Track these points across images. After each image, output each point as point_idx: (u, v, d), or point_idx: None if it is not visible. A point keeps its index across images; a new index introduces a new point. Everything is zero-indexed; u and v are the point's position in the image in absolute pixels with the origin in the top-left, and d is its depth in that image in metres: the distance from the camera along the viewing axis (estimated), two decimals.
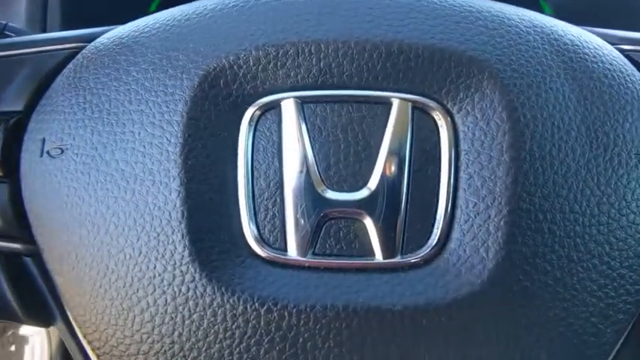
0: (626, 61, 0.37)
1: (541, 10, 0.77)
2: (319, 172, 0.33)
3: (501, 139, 0.32)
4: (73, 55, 0.37)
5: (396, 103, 0.33)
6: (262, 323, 0.31)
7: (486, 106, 0.33)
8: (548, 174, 0.32)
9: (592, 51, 0.35)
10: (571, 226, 0.32)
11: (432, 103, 0.33)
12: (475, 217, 0.32)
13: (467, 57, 0.33)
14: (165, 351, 0.32)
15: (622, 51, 0.37)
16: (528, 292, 0.32)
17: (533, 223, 0.32)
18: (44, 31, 0.71)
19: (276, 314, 0.31)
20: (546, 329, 0.32)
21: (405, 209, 0.33)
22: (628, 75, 0.35)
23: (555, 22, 0.37)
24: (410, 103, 0.33)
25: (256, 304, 0.31)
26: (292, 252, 0.32)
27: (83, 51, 0.37)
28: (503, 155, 0.32)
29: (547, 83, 0.33)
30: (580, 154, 0.33)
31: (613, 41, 0.38)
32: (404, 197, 0.33)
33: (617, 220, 0.33)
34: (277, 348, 0.31)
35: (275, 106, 0.33)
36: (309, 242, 0.32)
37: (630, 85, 0.35)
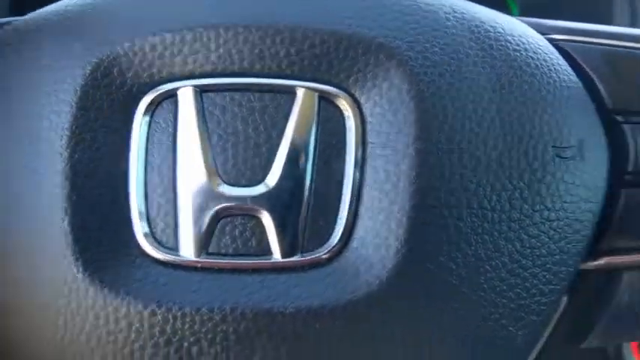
0: (552, 49, 0.35)
1: (507, 7, 0.75)
2: (216, 166, 0.31)
3: (408, 130, 0.30)
4: None
5: (300, 92, 0.31)
6: (146, 327, 0.29)
7: (394, 95, 0.31)
8: (455, 167, 0.30)
9: (515, 39, 0.33)
10: (479, 223, 0.30)
11: (339, 93, 0.31)
12: (378, 213, 0.30)
13: (376, 43, 0.31)
14: (44, 355, 0.30)
15: (552, 40, 0.35)
16: (430, 292, 0.30)
17: (438, 219, 0.30)
18: None
19: (160, 317, 0.29)
20: (451, 332, 0.30)
21: (308, 205, 0.31)
22: (553, 64, 0.33)
23: (480, 8, 0.35)
24: (316, 93, 0.31)
25: (140, 307, 0.29)
26: (185, 252, 0.30)
27: None
28: (409, 148, 0.30)
29: (462, 72, 0.31)
30: (492, 146, 0.31)
31: (543, 30, 0.36)
32: (306, 192, 0.31)
33: (529, 216, 0.31)
34: (161, 353, 0.29)
35: (172, 96, 0.31)
36: (203, 241, 0.30)
37: (554, 75, 0.33)
